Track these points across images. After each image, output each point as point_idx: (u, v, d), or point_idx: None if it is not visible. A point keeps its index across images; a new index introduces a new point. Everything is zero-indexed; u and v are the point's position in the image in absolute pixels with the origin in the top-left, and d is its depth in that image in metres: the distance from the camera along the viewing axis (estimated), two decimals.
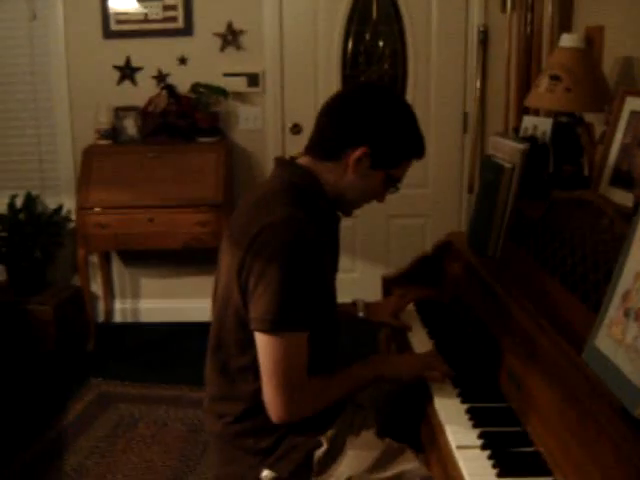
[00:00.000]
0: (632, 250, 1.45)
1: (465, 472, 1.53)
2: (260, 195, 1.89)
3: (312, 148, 1.92)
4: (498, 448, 1.60)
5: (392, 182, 1.95)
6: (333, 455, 1.84)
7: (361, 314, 2.34)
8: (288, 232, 1.72)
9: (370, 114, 1.87)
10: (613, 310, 1.46)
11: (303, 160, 1.93)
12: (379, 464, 1.82)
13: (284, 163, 1.98)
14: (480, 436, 1.66)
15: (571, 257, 1.81)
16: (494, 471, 1.53)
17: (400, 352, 2.34)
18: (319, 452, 1.83)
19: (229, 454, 1.90)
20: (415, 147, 1.93)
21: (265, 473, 1.83)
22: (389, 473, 1.81)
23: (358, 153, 1.83)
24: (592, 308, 1.62)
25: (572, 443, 1.46)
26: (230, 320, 1.83)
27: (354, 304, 2.35)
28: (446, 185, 4.60)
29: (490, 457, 1.57)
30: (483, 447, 1.61)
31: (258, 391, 1.78)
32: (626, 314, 1.42)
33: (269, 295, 1.69)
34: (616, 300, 1.46)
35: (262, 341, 1.73)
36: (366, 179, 1.88)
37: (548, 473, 1.51)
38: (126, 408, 3.69)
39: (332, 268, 1.99)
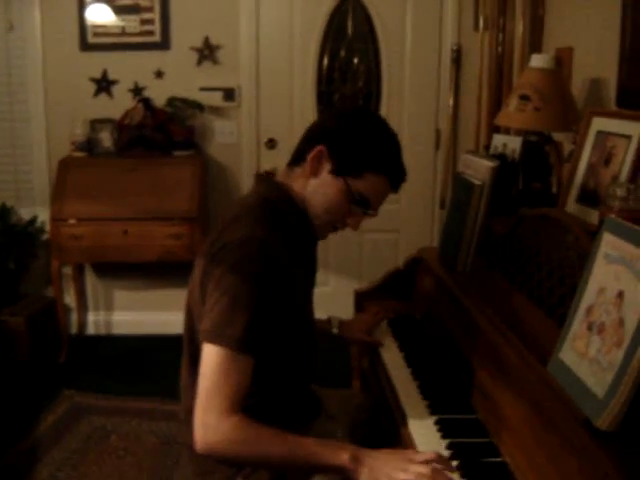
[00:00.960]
0: (595, 266, 1.50)
1: None
2: (236, 212, 1.87)
3: (289, 160, 1.94)
4: (466, 458, 1.63)
5: (359, 202, 1.86)
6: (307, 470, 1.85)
7: (335, 330, 2.37)
8: (247, 249, 1.69)
9: (334, 117, 1.92)
10: (577, 324, 1.51)
11: (280, 175, 1.95)
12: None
13: (261, 179, 2.00)
14: (449, 446, 1.70)
15: (538, 272, 1.86)
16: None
17: (374, 373, 2.31)
18: None
19: (204, 465, 1.88)
20: (382, 160, 1.85)
21: None
22: None
23: (315, 152, 1.81)
24: (558, 322, 1.66)
25: (537, 453, 1.50)
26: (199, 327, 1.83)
27: (329, 321, 2.38)
28: (418, 201, 4.66)
29: (458, 467, 1.61)
30: (451, 457, 1.64)
31: None
32: (589, 328, 1.46)
33: (217, 308, 1.66)
34: (580, 314, 1.51)
35: (203, 351, 1.67)
36: (326, 186, 1.84)
37: None
38: (98, 420, 3.69)
39: (307, 287, 2.00)
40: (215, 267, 1.71)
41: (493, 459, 1.64)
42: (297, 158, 1.90)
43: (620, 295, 1.39)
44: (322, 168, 1.84)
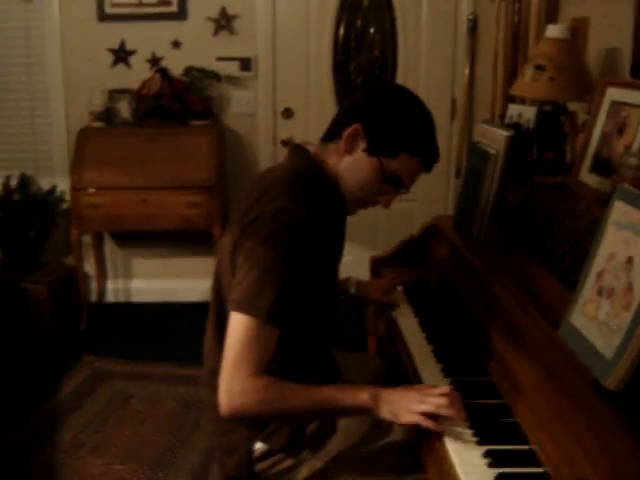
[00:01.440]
0: (606, 233, 1.54)
1: (447, 439, 1.62)
2: (267, 182, 1.89)
3: (324, 134, 1.96)
4: (479, 418, 1.69)
5: (392, 182, 1.89)
6: (324, 430, 1.90)
7: (352, 290, 2.43)
8: (282, 222, 1.72)
9: (372, 97, 1.90)
10: (588, 289, 1.56)
11: (314, 148, 1.97)
12: (368, 437, 1.89)
13: (295, 150, 1.99)
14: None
15: (550, 240, 1.90)
16: (475, 439, 1.62)
17: (390, 338, 2.36)
18: (311, 427, 1.90)
19: (224, 425, 1.95)
20: (418, 142, 1.88)
21: (258, 445, 1.90)
22: (378, 445, 1.89)
23: (350, 129, 1.84)
24: (569, 287, 1.70)
25: (548, 413, 1.56)
26: (228, 296, 1.86)
27: (346, 281, 2.43)
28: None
29: (471, 427, 1.66)
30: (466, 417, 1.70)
31: None
32: (599, 293, 1.51)
33: (247, 279, 1.70)
34: (590, 280, 1.55)
35: (232, 320, 1.72)
36: (360, 164, 1.87)
37: (525, 441, 1.60)
38: (119, 385, 3.78)
39: (334, 258, 2.05)
40: (246, 239, 1.74)
41: (505, 419, 1.70)
42: (332, 134, 1.92)
43: (629, 260, 1.43)
44: (357, 146, 1.86)
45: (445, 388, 1.70)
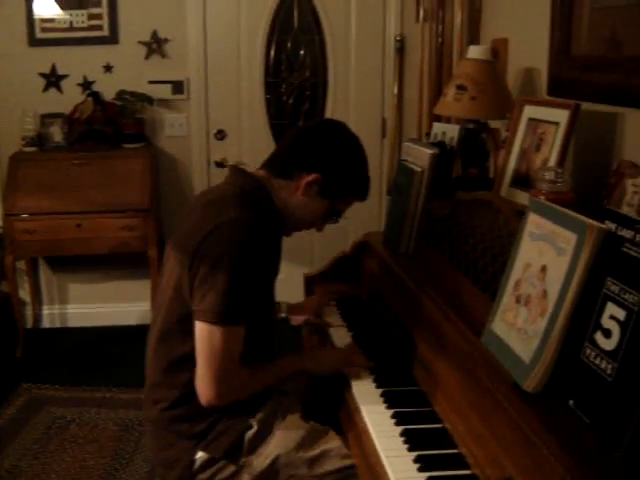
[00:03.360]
0: (522, 244, 1.63)
1: (379, 447, 1.69)
2: (210, 198, 2.04)
3: (269, 164, 2.12)
4: (409, 426, 1.76)
5: (334, 214, 2.16)
6: (262, 436, 1.98)
7: (283, 315, 2.54)
8: (238, 232, 1.87)
9: (329, 146, 2.10)
10: (507, 297, 1.64)
11: (258, 173, 2.11)
12: (304, 443, 1.97)
13: (239, 171, 2.13)
14: (393, 416, 1.82)
15: (473, 252, 1.99)
16: (405, 446, 1.69)
17: (322, 346, 2.49)
18: (249, 433, 1.97)
19: (165, 439, 2.02)
20: (362, 187, 2.18)
21: (199, 455, 1.97)
22: (314, 452, 1.95)
23: (311, 178, 2.03)
24: (491, 297, 1.79)
25: (473, 417, 1.63)
26: (176, 313, 1.96)
27: (277, 304, 2.50)
28: None
29: (402, 434, 1.73)
30: (396, 424, 1.77)
31: (193, 379, 1.91)
32: (517, 300, 1.59)
33: (216, 290, 1.84)
34: (509, 288, 1.64)
35: (203, 330, 1.87)
36: (311, 204, 2.08)
37: (453, 446, 1.68)
38: (57, 411, 3.75)
39: (274, 272, 2.17)
40: (207, 250, 1.87)
41: (434, 425, 1.77)
42: (284, 172, 2.08)
43: (543, 269, 1.52)
44: (312, 190, 2.06)
45: (352, 347, 2.24)
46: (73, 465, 3.24)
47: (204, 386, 1.89)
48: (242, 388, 1.96)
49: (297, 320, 2.58)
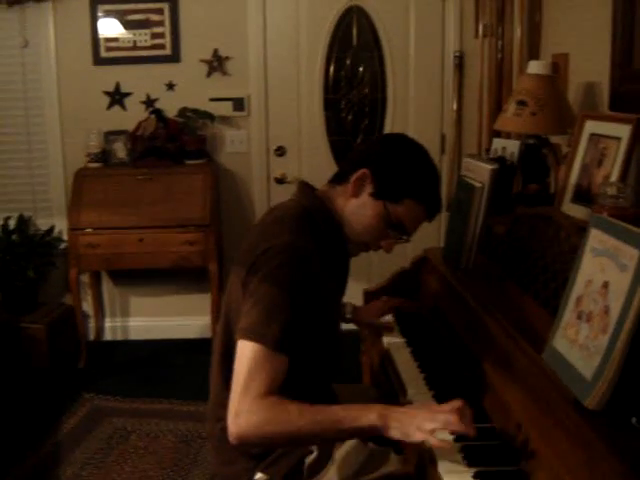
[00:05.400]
0: (584, 260, 1.62)
1: (439, 462, 1.68)
2: (273, 217, 1.97)
3: (333, 177, 2.06)
4: (468, 442, 1.74)
5: (395, 227, 1.96)
6: (322, 461, 1.93)
7: (349, 316, 2.52)
8: (288, 256, 1.78)
9: (381, 144, 2.02)
10: (568, 313, 1.63)
11: (321, 188, 2.06)
12: (364, 468, 1.93)
13: (304, 189, 2.06)
14: (461, 449, 1.80)
15: (534, 268, 1.98)
16: (464, 461, 1.68)
17: (383, 366, 2.41)
18: (309, 458, 1.93)
19: (226, 456, 2.00)
20: (422, 190, 1.96)
21: (258, 476, 1.93)
22: (374, 475, 1.93)
23: (359, 174, 1.93)
24: (552, 313, 1.77)
25: (534, 435, 1.62)
26: (235, 332, 1.86)
27: (343, 306, 2.50)
28: None
29: (461, 450, 1.72)
30: (455, 440, 1.76)
31: None
32: (579, 317, 1.58)
33: (256, 309, 1.75)
34: (570, 305, 1.63)
35: (240, 349, 1.76)
36: (365, 207, 1.95)
37: (515, 463, 1.66)
38: (118, 422, 3.82)
39: (335, 296, 2.11)
40: (256, 270, 1.80)
41: (494, 442, 1.76)
42: (340, 177, 2.02)
43: (605, 285, 1.50)
44: (364, 190, 1.95)
45: (456, 403, 1.67)
46: (133, 475, 3.30)
47: (231, 414, 1.70)
48: (264, 417, 1.67)
49: (362, 321, 2.58)
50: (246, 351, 1.73)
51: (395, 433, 1.67)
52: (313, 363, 1.94)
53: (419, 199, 1.96)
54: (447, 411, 1.66)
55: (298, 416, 1.68)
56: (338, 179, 2.03)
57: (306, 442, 1.87)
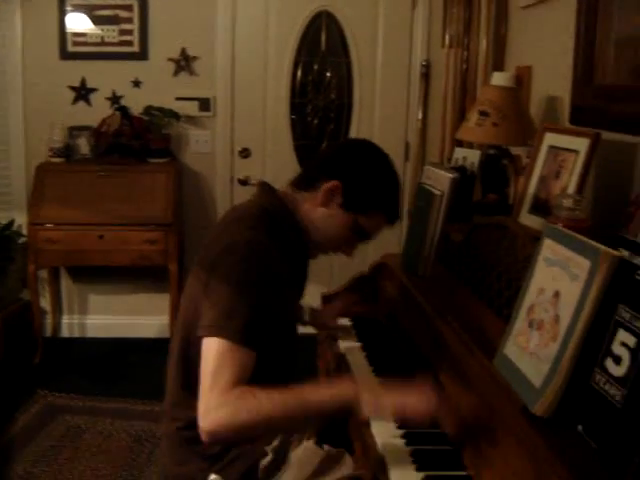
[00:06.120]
0: (536, 269, 1.65)
1: (389, 462, 1.70)
2: (233, 217, 2.00)
3: (295, 179, 2.08)
4: (419, 446, 1.77)
5: (360, 234, 2.05)
6: (277, 464, 1.93)
7: (307, 318, 2.54)
8: (247, 253, 1.81)
9: (352, 155, 2.04)
10: (520, 322, 1.65)
11: (283, 190, 2.07)
12: (319, 471, 1.93)
13: (264, 189, 2.10)
14: (403, 436, 1.82)
15: (489, 276, 2.01)
16: (414, 465, 1.70)
17: (338, 370, 2.40)
18: (264, 461, 1.93)
19: (180, 456, 1.99)
20: (388, 203, 2.06)
21: (213, 477, 1.92)
22: (329, 478, 1.93)
23: (330, 185, 1.97)
24: (505, 320, 1.80)
25: (483, 440, 1.64)
26: (194, 333, 1.85)
27: (301, 308, 2.51)
28: None
29: (411, 454, 1.74)
30: (406, 445, 1.78)
31: None
32: (530, 325, 1.60)
33: (217, 306, 1.76)
34: (522, 313, 1.65)
35: (205, 346, 1.76)
36: (334, 218, 2.00)
37: (463, 468, 1.68)
38: (72, 419, 3.79)
39: (294, 295, 2.14)
40: (215, 269, 1.82)
41: (444, 447, 1.78)
42: (307, 183, 2.04)
43: (556, 294, 1.53)
44: (333, 201, 1.99)
45: (422, 386, 1.75)
46: (85, 473, 3.28)
47: (201, 412, 1.69)
48: (233, 408, 1.67)
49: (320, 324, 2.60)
50: (210, 347, 1.74)
51: (365, 408, 1.72)
52: (271, 362, 1.94)
53: (384, 210, 2.06)
54: (415, 391, 1.73)
55: (267, 402, 1.69)
56: (304, 185, 2.05)
57: (278, 428, 1.88)
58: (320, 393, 1.76)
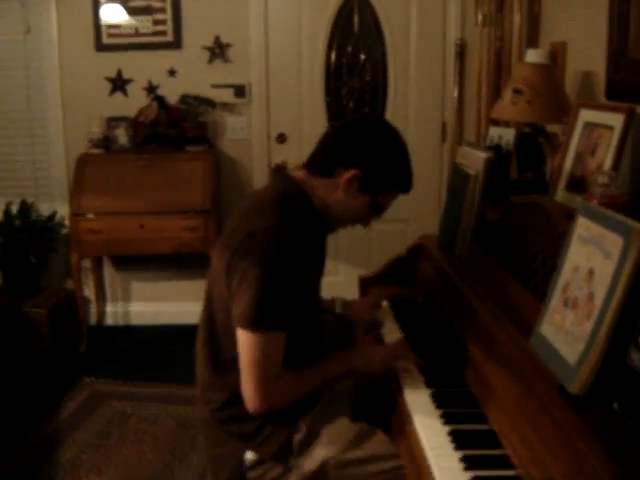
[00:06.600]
0: (571, 247, 1.64)
1: (426, 445, 1.71)
2: (253, 202, 2.06)
3: (309, 164, 2.10)
4: (457, 426, 1.78)
5: (377, 209, 2.11)
6: (311, 439, 2.01)
7: (338, 310, 2.53)
8: (272, 238, 1.86)
9: (367, 141, 2.05)
10: (555, 300, 1.65)
11: (298, 174, 2.10)
12: (353, 444, 1.99)
13: (280, 174, 2.17)
14: (442, 416, 1.84)
15: (524, 255, 2.00)
16: (452, 445, 1.71)
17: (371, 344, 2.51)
18: (298, 436, 2.00)
19: (216, 438, 2.07)
20: (403, 180, 2.11)
21: (249, 455, 2.01)
22: (361, 452, 1.98)
23: (350, 175, 2.00)
24: (541, 299, 1.80)
25: (519, 418, 1.64)
26: (220, 315, 1.99)
27: (332, 301, 2.53)
28: (426, 192, 4.77)
29: (449, 433, 1.75)
30: (444, 424, 1.79)
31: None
32: (565, 303, 1.60)
33: (250, 295, 1.84)
34: (558, 291, 1.65)
35: (242, 337, 1.88)
36: (353, 200, 2.05)
37: (500, 446, 1.69)
38: (118, 405, 3.85)
39: (316, 273, 2.17)
40: (239, 258, 1.88)
41: (482, 426, 1.78)
42: (323, 169, 2.06)
43: (591, 272, 1.52)
44: (352, 186, 2.03)
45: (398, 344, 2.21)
46: (131, 458, 3.33)
47: (248, 395, 1.90)
48: (288, 393, 1.96)
49: (352, 316, 2.60)
50: (248, 340, 1.87)
51: (361, 365, 2.12)
52: (297, 339, 2.00)
53: (400, 188, 2.12)
54: (396, 345, 2.20)
55: (300, 386, 1.98)
56: (321, 171, 2.06)
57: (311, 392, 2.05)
58: (332, 367, 2.06)
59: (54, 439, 3.51)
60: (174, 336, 4.75)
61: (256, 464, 2.01)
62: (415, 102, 4.78)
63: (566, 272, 1.64)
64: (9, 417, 3.74)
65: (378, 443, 2.00)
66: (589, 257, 1.55)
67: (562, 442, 1.42)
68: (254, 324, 1.85)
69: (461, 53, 4.57)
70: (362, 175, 2.01)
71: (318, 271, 2.20)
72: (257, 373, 1.87)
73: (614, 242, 1.46)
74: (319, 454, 1.99)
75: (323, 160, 2.08)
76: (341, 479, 1.98)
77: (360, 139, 2.05)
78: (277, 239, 1.87)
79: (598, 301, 1.47)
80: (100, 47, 4.70)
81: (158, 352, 4.60)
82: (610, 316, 1.42)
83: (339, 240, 4.74)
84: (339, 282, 4.67)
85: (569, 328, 1.56)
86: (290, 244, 1.88)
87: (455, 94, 4.63)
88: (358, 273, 3.24)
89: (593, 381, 1.45)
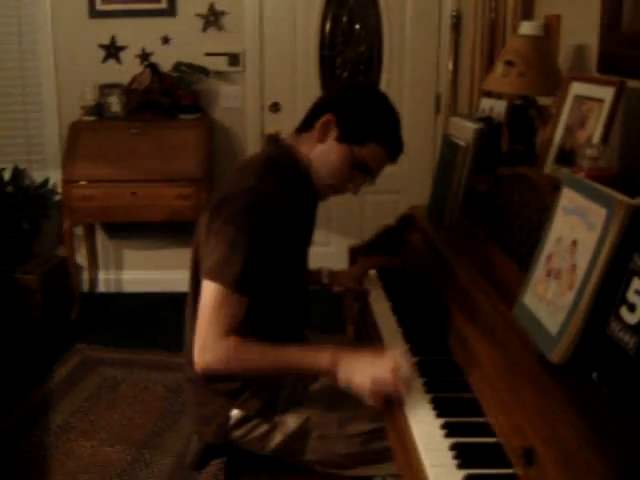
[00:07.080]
0: (555, 218, 1.65)
1: (409, 413, 1.73)
2: (240, 167, 2.08)
3: (298, 126, 2.11)
4: (438, 394, 1.80)
5: (360, 167, 2.03)
6: (295, 397, 2.03)
7: (325, 280, 2.54)
8: (249, 199, 1.87)
9: (343, 89, 2.10)
10: (539, 271, 1.66)
11: (288, 139, 2.12)
12: (336, 404, 2.01)
13: (270, 140, 2.18)
14: (425, 384, 1.86)
15: (511, 226, 2.01)
16: (434, 412, 1.73)
17: (363, 321, 2.47)
18: (283, 394, 2.03)
19: (202, 396, 2.08)
20: (384, 132, 2.03)
21: (234, 412, 2.03)
22: (345, 413, 2.00)
23: (323, 119, 1.99)
24: (525, 270, 1.81)
25: (501, 387, 1.66)
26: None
27: (319, 272, 2.54)
28: (419, 163, 4.78)
29: (431, 400, 1.77)
30: (427, 392, 1.81)
31: None
32: (548, 274, 1.61)
33: (219, 250, 1.84)
34: (541, 262, 1.66)
35: (203, 288, 1.87)
36: (331, 151, 2.01)
37: (482, 415, 1.71)
38: (109, 371, 3.89)
39: (302, 242, 2.17)
40: (217, 215, 1.88)
41: (465, 395, 1.80)
42: (305, 125, 2.08)
43: (574, 243, 1.53)
44: (329, 135, 2.01)
45: (393, 359, 1.80)
46: (121, 423, 3.37)
47: (195, 348, 1.86)
48: (232, 358, 1.84)
49: (339, 286, 2.60)
50: (209, 291, 1.85)
51: (342, 377, 1.82)
52: (281, 307, 2.01)
53: (382, 141, 2.03)
54: (386, 367, 1.78)
55: (260, 356, 1.86)
56: (303, 127, 2.08)
57: (266, 377, 2.00)
58: (307, 357, 1.87)
59: (45, 405, 3.54)
60: (166, 303, 4.77)
61: (241, 422, 2.02)
62: (410, 73, 4.78)
63: (550, 243, 1.65)
64: (0, 383, 3.76)
65: (361, 404, 2.01)
66: (573, 228, 1.56)
67: (541, 410, 1.44)
68: (217, 277, 1.83)
69: (456, 25, 4.56)
70: (337, 119, 1.99)
71: (304, 240, 2.19)
72: (205, 326, 1.84)
73: (598, 213, 1.46)
74: (302, 412, 2.01)
75: (306, 117, 2.09)
76: (322, 437, 2.00)
77: (340, 90, 2.10)
78: (253, 200, 1.87)
79: (580, 272, 1.48)
80: (93, 13, 4.68)
81: (150, 319, 4.64)
82: (591, 287, 1.43)
83: (332, 211, 4.76)
84: (331, 253, 4.68)
85: (551, 298, 1.57)
86: (267, 207, 1.89)
87: (450, 66, 4.62)
88: (350, 244, 3.27)
89: (573, 351, 1.46)
